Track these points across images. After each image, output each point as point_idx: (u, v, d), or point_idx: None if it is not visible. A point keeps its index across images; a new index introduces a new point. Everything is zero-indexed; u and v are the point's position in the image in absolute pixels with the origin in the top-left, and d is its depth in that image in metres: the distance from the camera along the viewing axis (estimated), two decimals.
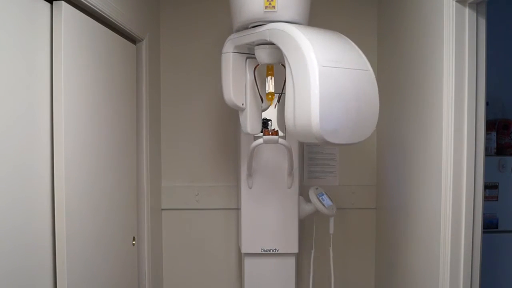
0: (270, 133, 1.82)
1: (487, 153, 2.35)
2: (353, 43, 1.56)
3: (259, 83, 1.78)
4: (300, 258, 2.34)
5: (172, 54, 2.35)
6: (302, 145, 2.34)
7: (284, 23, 1.50)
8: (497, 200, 2.44)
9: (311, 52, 1.35)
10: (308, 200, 2.06)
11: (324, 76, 1.33)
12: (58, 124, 1.27)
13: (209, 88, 2.34)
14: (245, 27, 1.64)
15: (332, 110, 1.35)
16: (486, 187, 2.21)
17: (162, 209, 2.38)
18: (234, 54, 1.74)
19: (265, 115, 1.95)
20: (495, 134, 2.55)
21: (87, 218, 1.44)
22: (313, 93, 1.32)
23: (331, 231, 2.11)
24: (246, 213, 2.02)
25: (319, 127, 1.32)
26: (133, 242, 1.90)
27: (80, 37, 1.38)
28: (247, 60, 1.78)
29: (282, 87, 1.88)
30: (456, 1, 1.48)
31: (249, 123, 1.79)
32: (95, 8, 1.44)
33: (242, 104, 1.78)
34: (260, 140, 1.80)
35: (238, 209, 2.23)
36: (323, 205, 2.03)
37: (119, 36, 1.73)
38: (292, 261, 2.07)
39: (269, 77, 1.72)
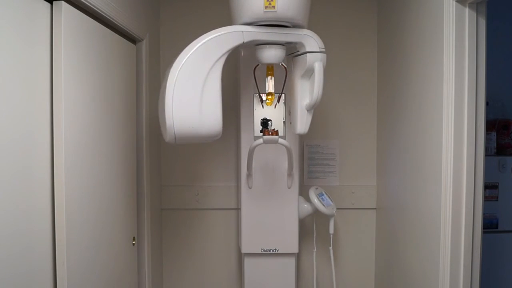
0: (270, 133, 1.82)
1: (487, 153, 2.35)
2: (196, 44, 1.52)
3: (258, 83, 1.78)
4: (300, 258, 2.34)
5: (172, 54, 2.34)
6: (302, 145, 2.34)
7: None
8: (497, 200, 2.44)
9: None
10: (308, 200, 2.06)
11: None
12: (58, 124, 1.27)
13: None
14: None
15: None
16: (486, 187, 2.21)
17: (162, 209, 2.38)
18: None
19: (265, 115, 1.95)
20: (495, 134, 2.55)
21: (87, 218, 1.44)
22: None
23: (331, 231, 2.11)
24: (246, 213, 2.02)
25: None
26: (133, 242, 1.90)
27: (80, 37, 1.38)
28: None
29: (282, 87, 1.88)
30: (456, 1, 1.48)
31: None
32: (95, 8, 1.44)
33: None
34: (260, 140, 1.80)
35: (238, 209, 2.23)
36: (323, 205, 2.03)
37: (119, 36, 1.73)
38: (292, 261, 2.07)
39: (269, 77, 1.72)
